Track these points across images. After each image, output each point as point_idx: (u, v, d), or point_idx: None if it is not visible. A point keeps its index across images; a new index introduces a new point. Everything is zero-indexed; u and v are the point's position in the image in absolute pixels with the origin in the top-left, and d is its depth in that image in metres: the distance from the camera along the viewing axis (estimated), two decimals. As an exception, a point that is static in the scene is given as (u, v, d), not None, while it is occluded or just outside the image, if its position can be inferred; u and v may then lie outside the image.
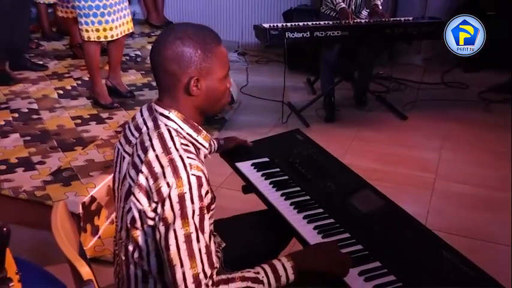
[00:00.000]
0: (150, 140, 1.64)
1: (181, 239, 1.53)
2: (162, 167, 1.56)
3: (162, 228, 1.55)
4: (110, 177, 3.35)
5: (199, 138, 1.73)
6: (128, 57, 5.94)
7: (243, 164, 2.44)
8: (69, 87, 5.01)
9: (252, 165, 2.43)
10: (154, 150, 1.61)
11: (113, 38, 4.35)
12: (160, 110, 1.70)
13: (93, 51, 4.36)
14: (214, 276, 1.58)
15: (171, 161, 1.56)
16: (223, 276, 1.61)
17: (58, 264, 2.48)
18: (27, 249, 3.06)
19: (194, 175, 1.56)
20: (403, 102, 5.46)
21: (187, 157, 1.59)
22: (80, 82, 5.13)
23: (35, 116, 4.34)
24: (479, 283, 1.73)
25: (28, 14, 5.39)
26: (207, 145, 1.76)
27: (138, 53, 6.16)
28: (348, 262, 1.77)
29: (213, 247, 1.61)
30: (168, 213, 1.54)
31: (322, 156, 2.51)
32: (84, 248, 2.25)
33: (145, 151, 1.62)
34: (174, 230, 1.53)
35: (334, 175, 2.34)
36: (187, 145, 1.66)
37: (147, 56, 6.01)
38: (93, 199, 3.25)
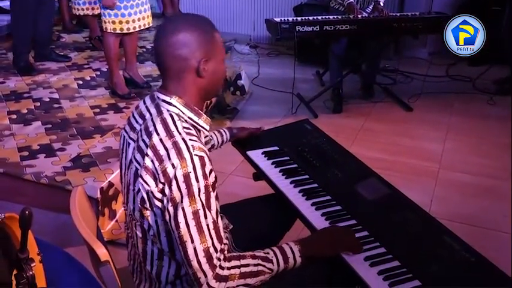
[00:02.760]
0: (154, 125, 1.70)
1: (189, 216, 1.58)
2: (166, 149, 1.62)
3: (171, 209, 1.60)
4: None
5: (200, 121, 1.78)
6: (144, 50, 6.00)
7: (253, 153, 2.47)
8: (89, 78, 5.09)
9: (262, 153, 2.46)
10: (158, 134, 1.66)
11: (132, 31, 4.41)
12: (163, 96, 1.76)
13: (112, 43, 4.43)
14: (226, 252, 1.63)
15: (175, 144, 1.62)
16: (235, 253, 1.67)
17: (77, 246, 2.54)
18: (48, 232, 3.14)
19: (197, 155, 1.61)
20: (409, 94, 5.49)
21: (190, 139, 1.64)
22: (98, 73, 5.21)
23: (55, 105, 4.42)
24: (480, 269, 1.76)
25: (53, 7, 5.48)
26: (207, 127, 1.82)
27: (154, 45, 6.20)
28: (356, 243, 1.84)
29: (220, 224, 1.66)
30: (176, 193, 1.59)
31: (329, 145, 2.53)
32: (102, 231, 2.30)
33: (149, 136, 1.68)
34: (183, 208, 1.58)
35: (342, 164, 2.36)
36: (189, 128, 1.71)
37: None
38: (110, 184, 3.32)
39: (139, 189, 1.69)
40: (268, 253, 1.72)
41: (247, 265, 1.65)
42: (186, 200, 1.59)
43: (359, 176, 2.30)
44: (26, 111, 4.28)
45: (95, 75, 5.16)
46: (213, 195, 1.65)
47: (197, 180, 1.60)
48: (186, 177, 1.59)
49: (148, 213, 1.70)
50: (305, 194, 2.17)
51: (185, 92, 1.76)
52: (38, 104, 4.44)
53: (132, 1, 4.27)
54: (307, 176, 2.29)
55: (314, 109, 5.12)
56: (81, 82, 4.97)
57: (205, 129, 1.82)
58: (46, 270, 1.67)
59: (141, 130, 1.76)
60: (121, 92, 4.61)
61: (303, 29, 4.69)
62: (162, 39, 1.74)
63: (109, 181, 3.33)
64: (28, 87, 4.78)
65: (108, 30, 4.35)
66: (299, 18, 4.95)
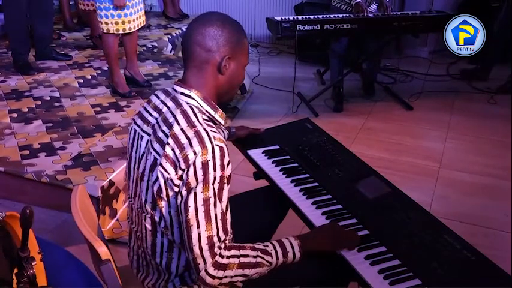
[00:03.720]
0: (174, 116, 1.73)
1: (200, 201, 1.60)
2: (188, 138, 1.65)
3: (184, 192, 1.63)
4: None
5: (216, 116, 1.82)
6: (145, 48, 6.01)
7: (254, 151, 2.48)
8: (89, 77, 5.10)
9: (263, 152, 2.47)
10: (179, 124, 1.69)
11: (131, 31, 4.42)
12: (181, 89, 1.80)
13: (112, 43, 4.43)
14: (227, 241, 1.66)
15: (197, 133, 1.65)
16: (235, 244, 1.68)
17: (78, 244, 2.58)
18: (49, 230, 3.17)
19: (218, 146, 1.64)
20: (410, 93, 5.49)
21: (211, 130, 1.68)
22: (99, 72, 5.22)
23: (56, 104, 4.43)
24: (480, 268, 1.77)
25: (49, 4, 5.47)
26: (223, 122, 1.86)
27: (155, 44, 6.22)
28: (355, 237, 1.86)
29: (228, 217, 1.68)
30: (192, 178, 1.62)
31: (330, 144, 2.53)
32: (103, 230, 2.30)
33: (170, 126, 1.71)
34: (195, 193, 1.61)
35: (342, 163, 2.37)
36: (208, 120, 1.76)
37: (164, 47, 6.14)
38: (111, 183, 3.33)
39: (156, 179, 1.70)
40: (267, 246, 1.74)
41: (246, 255, 1.67)
42: (200, 186, 1.62)
43: (359, 175, 2.30)
44: (27, 109, 4.28)
45: (95, 74, 5.17)
46: (226, 187, 1.68)
47: (214, 169, 1.63)
48: (205, 164, 1.62)
49: (162, 204, 1.72)
50: (306, 193, 2.18)
51: (204, 85, 1.80)
52: (39, 102, 4.44)
53: (127, 2, 4.27)
54: (307, 175, 2.30)
55: (315, 108, 5.12)
56: (81, 81, 4.98)
57: (221, 124, 1.86)
58: (47, 268, 1.69)
59: (158, 122, 1.78)
60: (122, 91, 4.62)
61: (304, 27, 4.68)
62: (194, 27, 1.79)
63: (110, 180, 3.33)
64: (29, 86, 4.79)
65: (110, 31, 4.35)
66: (300, 17, 4.94)
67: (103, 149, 3.70)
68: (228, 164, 1.68)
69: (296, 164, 2.38)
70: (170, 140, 1.67)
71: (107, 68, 4.93)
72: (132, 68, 4.82)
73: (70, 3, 6.72)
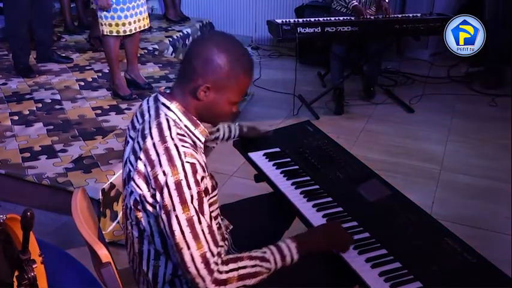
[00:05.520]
0: (150, 128, 1.69)
1: (184, 223, 1.57)
2: (158, 154, 1.61)
3: (164, 217, 1.60)
4: (129, 165, 3.49)
5: (196, 132, 1.76)
6: (146, 51, 6.02)
7: (255, 154, 2.47)
8: (90, 79, 5.10)
9: (264, 155, 2.46)
10: (152, 138, 1.65)
11: (129, 33, 4.41)
12: (163, 100, 1.75)
13: (112, 45, 4.42)
14: (223, 255, 1.64)
15: (166, 149, 1.61)
16: (232, 256, 1.67)
17: (78, 247, 2.56)
18: (50, 233, 3.16)
19: (188, 162, 1.60)
20: (410, 95, 5.50)
21: (182, 145, 1.63)
22: (100, 74, 5.22)
23: (57, 106, 4.43)
24: (481, 270, 1.77)
25: (49, 7, 5.46)
26: (203, 139, 1.79)
27: (156, 46, 6.22)
28: (348, 239, 1.87)
29: (215, 227, 1.64)
30: (167, 200, 1.58)
31: (331, 147, 2.52)
32: (103, 232, 2.30)
33: (144, 138, 1.68)
34: (176, 216, 1.57)
35: (343, 165, 2.36)
36: (183, 135, 1.69)
37: (165, 49, 6.15)
38: (112, 186, 3.32)
39: (131, 192, 1.70)
40: (265, 252, 1.72)
41: (244, 267, 1.65)
42: (179, 208, 1.58)
43: (360, 177, 2.29)
44: (28, 112, 4.28)
45: (96, 77, 5.17)
46: (205, 200, 1.64)
47: (189, 188, 1.60)
48: (178, 184, 1.59)
49: (141, 214, 1.71)
50: (306, 195, 2.17)
51: (184, 101, 1.75)
52: (40, 105, 4.44)
53: (128, 3, 4.26)
54: (308, 178, 2.29)
55: (315, 110, 5.13)
56: (82, 83, 4.98)
57: (200, 141, 1.79)
58: (47, 271, 1.68)
59: (138, 131, 1.76)
60: (123, 94, 4.62)
61: (305, 30, 4.70)
62: (200, 39, 1.80)
63: (110, 182, 3.33)
64: (30, 89, 4.79)
65: (105, 33, 4.34)
66: (300, 20, 4.94)
67: (104, 151, 3.69)
68: (202, 179, 1.64)
69: (297, 167, 2.38)
70: (142, 155, 1.65)
71: (107, 71, 4.93)
72: (133, 71, 4.81)
73: (71, 6, 6.73)
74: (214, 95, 1.72)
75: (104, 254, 1.64)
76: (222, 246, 1.66)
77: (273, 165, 2.39)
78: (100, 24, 4.34)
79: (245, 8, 7.40)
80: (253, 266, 1.66)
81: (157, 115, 1.73)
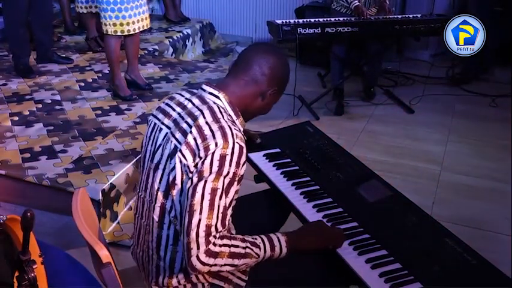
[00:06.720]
0: (200, 110, 1.82)
1: (207, 190, 1.66)
2: (211, 131, 1.73)
3: (195, 179, 1.68)
4: (129, 165, 3.46)
5: (237, 122, 1.88)
6: (146, 52, 6.02)
7: (255, 155, 2.48)
8: (90, 80, 5.10)
9: (264, 155, 2.47)
10: (204, 117, 1.79)
11: (130, 33, 4.40)
12: (210, 89, 1.90)
13: (113, 45, 4.42)
14: (221, 233, 1.69)
15: (221, 128, 1.74)
16: (227, 234, 1.72)
17: (79, 247, 2.56)
18: (50, 233, 3.16)
19: (238, 144, 1.72)
20: (411, 96, 5.49)
21: (234, 128, 1.76)
22: (100, 75, 5.22)
23: (57, 107, 4.43)
24: (481, 271, 1.78)
25: (48, 7, 5.45)
26: (241, 129, 1.90)
27: (156, 47, 6.22)
28: (339, 235, 1.90)
29: (229, 213, 1.75)
30: (206, 167, 1.68)
31: (331, 147, 2.53)
32: (104, 233, 2.32)
33: (194, 118, 1.80)
34: (205, 181, 1.66)
35: (343, 166, 2.37)
36: (233, 121, 1.84)
37: (165, 50, 6.14)
38: (112, 186, 3.33)
39: (173, 168, 1.77)
40: (256, 239, 1.78)
41: (236, 246, 1.70)
42: (212, 176, 1.68)
43: (360, 178, 2.31)
44: (28, 113, 4.28)
45: (96, 77, 5.17)
46: (235, 185, 1.75)
47: (230, 165, 1.70)
48: (223, 157, 1.70)
49: (175, 192, 1.78)
50: (306, 196, 2.18)
51: (238, 96, 1.91)
52: (40, 105, 4.44)
53: (131, 3, 4.27)
54: (308, 178, 2.30)
55: (315, 111, 5.13)
56: (83, 84, 4.98)
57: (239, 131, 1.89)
58: (48, 271, 1.68)
59: (181, 116, 1.86)
60: (123, 94, 4.62)
61: (305, 31, 4.71)
62: (264, 49, 1.98)
63: (111, 183, 3.33)
64: (30, 89, 4.79)
65: (109, 33, 4.34)
66: (300, 20, 4.95)
67: (104, 152, 3.70)
68: (243, 164, 1.75)
69: (297, 167, 2.39)
70: (193, 130, 1.76)
71: (108, 71, 4.93)
72: (133, 72, 4.81)
73: (71, 6, 6.72)
74: (273, 98, 1.97)
75: (104, 254, 1.64)
76: (225, 230, 1.71)
77: (273, 165, 2.41)
78: (104, 24, 4.34)
79: (245, 8, 7.39)
80: (244, 248, 1.71)
81: (205, 102, 1.87)
